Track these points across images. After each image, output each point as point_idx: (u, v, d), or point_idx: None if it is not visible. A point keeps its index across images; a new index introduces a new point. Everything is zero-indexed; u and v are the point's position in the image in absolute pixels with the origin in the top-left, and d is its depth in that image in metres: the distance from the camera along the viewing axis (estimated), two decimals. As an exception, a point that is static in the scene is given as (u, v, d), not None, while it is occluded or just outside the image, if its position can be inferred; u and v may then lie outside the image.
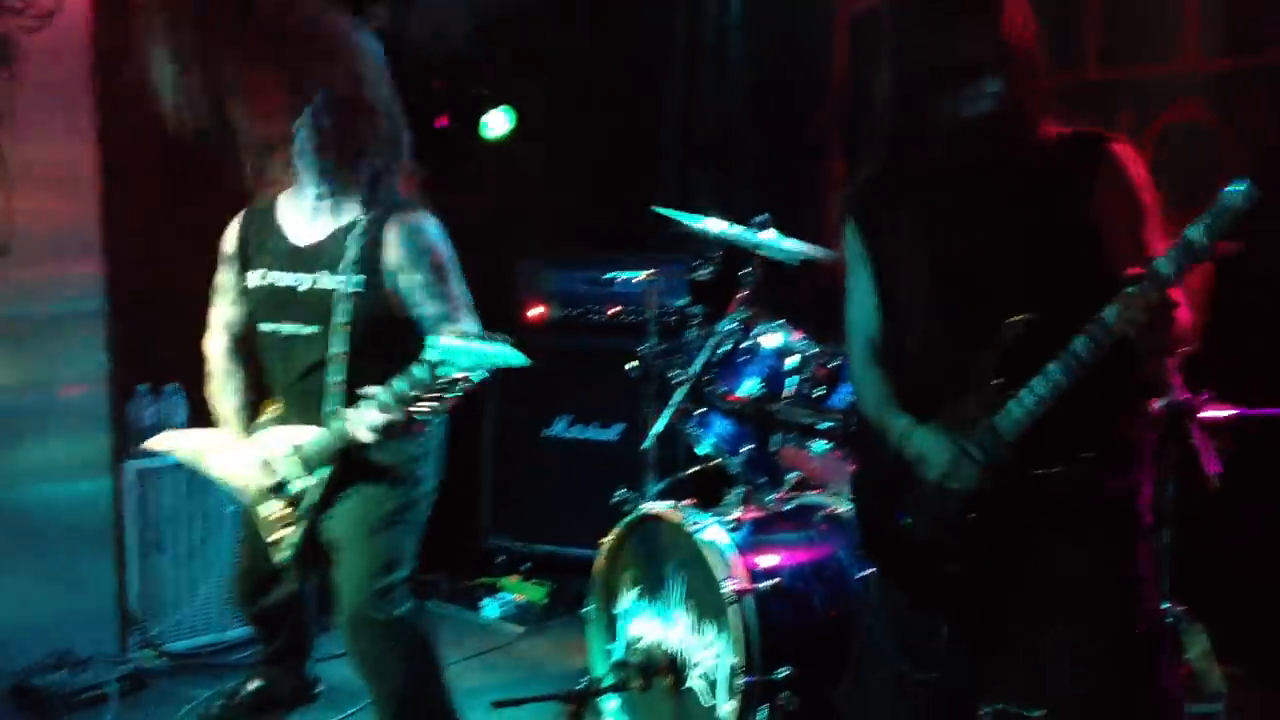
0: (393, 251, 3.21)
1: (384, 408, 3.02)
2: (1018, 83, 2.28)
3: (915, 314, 2.47)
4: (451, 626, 5.00)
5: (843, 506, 3.76)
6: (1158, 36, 4.45)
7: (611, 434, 5.25)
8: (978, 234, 2.35)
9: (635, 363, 4.15)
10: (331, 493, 3.27)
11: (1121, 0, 4.58)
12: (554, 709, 3.67)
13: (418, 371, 2.95)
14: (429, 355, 2.91)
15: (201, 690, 4.22)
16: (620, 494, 4.07)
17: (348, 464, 3.24)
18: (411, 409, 3.02)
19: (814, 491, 3.90)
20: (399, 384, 2.99)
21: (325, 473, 3.24)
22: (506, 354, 2.87)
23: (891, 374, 2.57)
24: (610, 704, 3.73)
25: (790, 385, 3.79)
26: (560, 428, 5.35)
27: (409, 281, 3.21)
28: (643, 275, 4.40)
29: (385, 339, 3.18)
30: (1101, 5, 4.61)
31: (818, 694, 3.47)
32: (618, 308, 5.35)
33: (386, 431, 3.07)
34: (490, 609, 5.13)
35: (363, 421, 3.06)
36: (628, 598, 3.77)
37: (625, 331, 4.99)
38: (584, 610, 3.89)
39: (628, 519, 3.79)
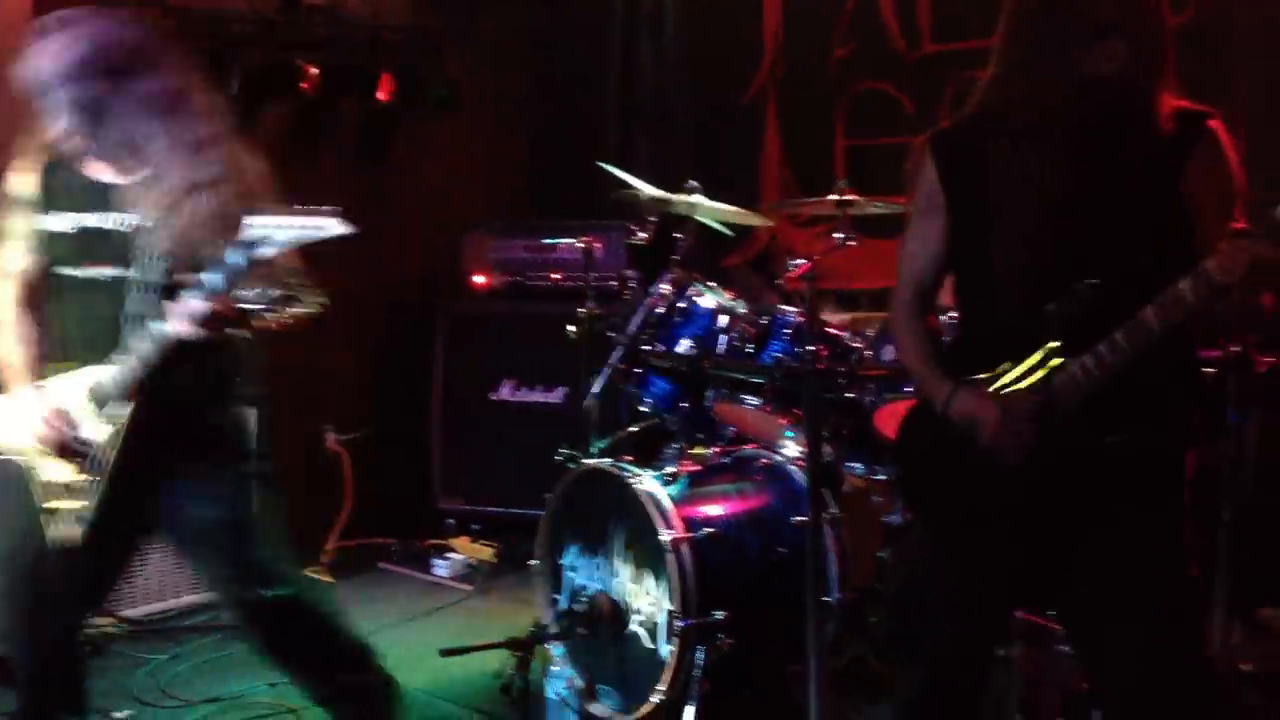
0: (190, 193, 2.92)
1: (208, 294, 2.74)
2: (1146, 48, 2.27)
3: (984, 265, 2.42)
4: (404, 588, 5.13)
5: (776, 458, 3.91)
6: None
7: (555, 396, 5.36)
8: (1066, 191, 2.31)
9: (574, 327, 4.24)
10: (138, 454, 2.89)
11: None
12: (503, 657, 3.80)
13: (233, 256, 2.70)
14: (246, 235, 2.69)
15: (159, 654, 4.35)
16: (563, 453, 4.17)
17: (153, 412, 2.89)
18: (238, 302, 2.80)
19: (749, 445, 4.05)
20: (215, 273, 2.73)
21: (123, 415, 2.88)
22: (327, 225, 2.72)
23: (959, 324, 2.56)
24: (556, 650, 3.87)
25: (723, 343, 3.92)
26: (506, 391, 5.45)
27: (203, 214, 2.91)
28: (582, 241, 4.50)
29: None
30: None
31: (753, 634, 3.64)
32: (559, 274, 5.45)
33: (209, 324, 2.77)
34: (441, 569, 5.24)
35: (184, 312, 2.76)
36: (572, 551, 3.90)
37: (567, 297, 5.09)
38: (530, 564, 4.03)
39: (570, 476, 3.92)
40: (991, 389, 2.39)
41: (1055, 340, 2.30)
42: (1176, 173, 2.30)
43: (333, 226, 2.71)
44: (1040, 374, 2.31)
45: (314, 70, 5.18)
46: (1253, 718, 3.48)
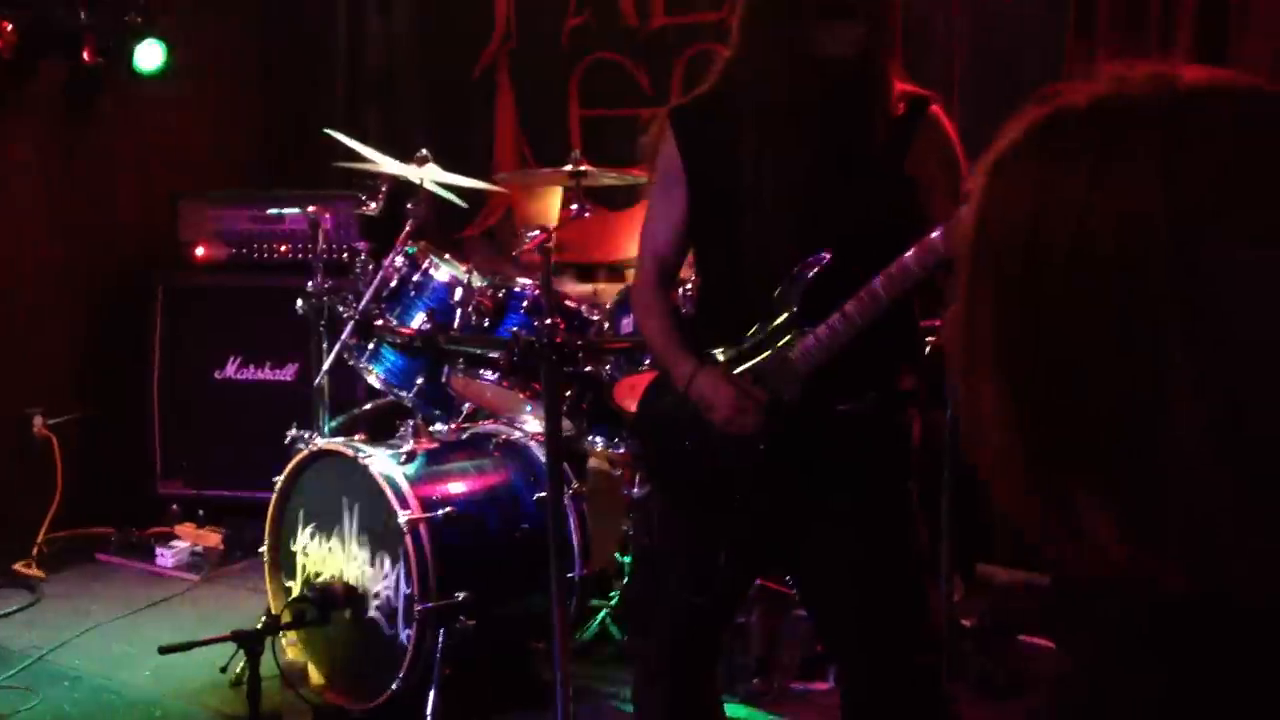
0: None
1: None
2: (881, 30, 2.30)
3: (722, 238, 2.44)
4: (125, 579, 4.88)
5: (515, 434, 3.86)
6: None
7: (286, 374, 5.17)
8: (806, 167, 2.34)
9: (302, 301, 4.09)
10: None
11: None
12: (232, 649, 3.62)
13: None
14: None
15: None
16: (292, 433, 4.03)
17: None
18: None
19: (487, 421, 3.99)
20: None
21: None
22: None
23: (701, 300, 2.54)
24: (290, 641, 3.72)
25: (459, 317, 3.84)
26: (231, 369, 5.24)
27: None
28: (309, 210, 4.34)
29: None
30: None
31: (497, 615, 3.59)
32: (285, 245, 5.26)
33: None
34: (165, 558, 5.00)
35: None
36: (304, 535, 3.76)
37: (294, 270, 4.91)
38: (260, 550, 3.86)
39: (300, 456, 3.77)
40: (730, 362, 2.40)
41: (792, 310, 2.34)
42: (902, 154, 2.37)
43: None
44: (779, 344, 2.34)
45: (9, 28, 4.81)
46: (976, 675, 3.63)
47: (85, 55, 5.10)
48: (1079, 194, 0.85)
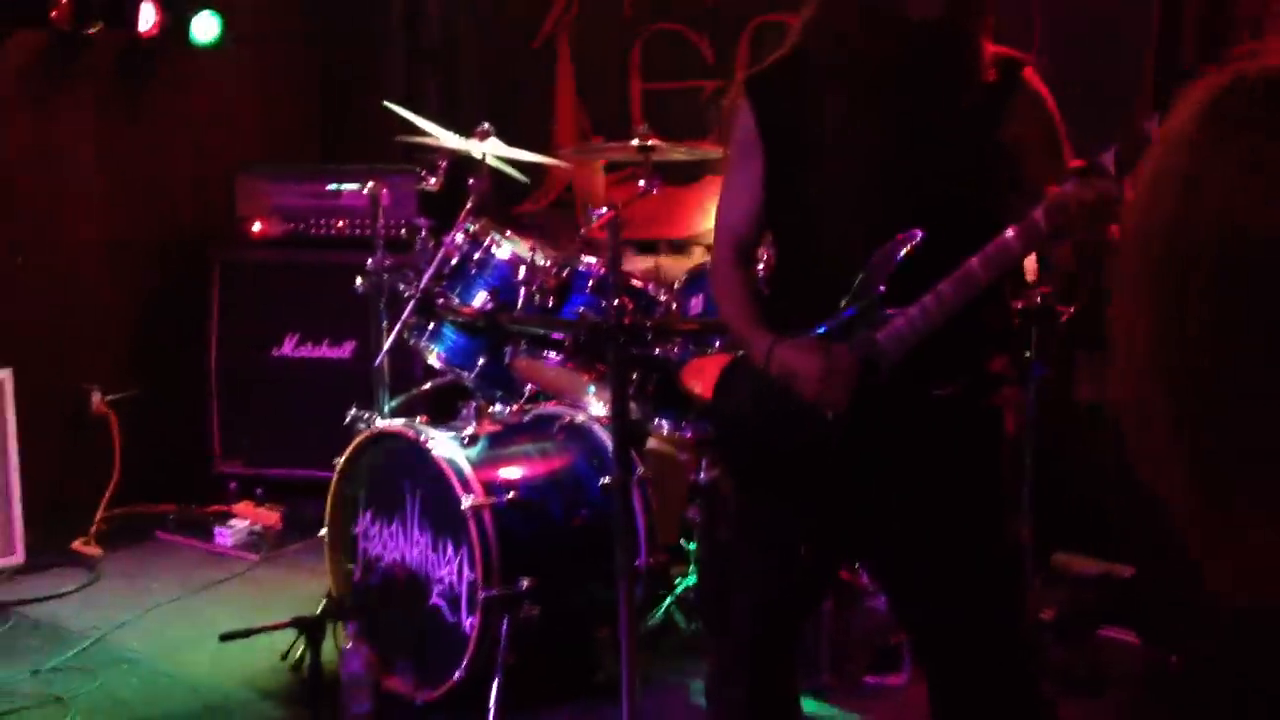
0: None
1: None
2: None
3: (801, 212, 2.32)
4: (183, 558, 4.82)
5: (579, 416, 3.77)
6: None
7: (343, 352, 5.11)
8: (890, 136, 2.21)
9: (361, 278, 4.01)
10: None
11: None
12: (292, 634, 3.58)
13: None
14: None
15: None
16: (352, 413, 3.96)
17: None
18: None
19: (550, 403, 3.90)
20: None
21: None
22: None
23: (777, 277, 2.43)
24: (350, 628, 3.65)
25: (522, 296, 3.74)
26: (289, 347, 5.17)
27: None
28: (368, 186, 4.26)
29: None
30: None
31: (561, 602, 3.50)
32: (344, 221, 5.18)
33: None
34: (224, 537, 4.94)
35: None
36: (364, 518, 3.69)
37: (353, 246, 4.84)
38: (321, 533, 3.80)
39: (361, 437, 3.70)
40: (805, 344, 2.26)
41: (879, 290, 2.21)
42: (996, 122, 2.22)
43: None
44: (866, 325, 2.22)
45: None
46: (1056, 671, 3.51)
47: (141, 26, 5.03)
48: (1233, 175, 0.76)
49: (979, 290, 2.15)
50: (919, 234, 2.17)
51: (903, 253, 2.18)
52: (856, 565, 3.29)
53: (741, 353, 2.43)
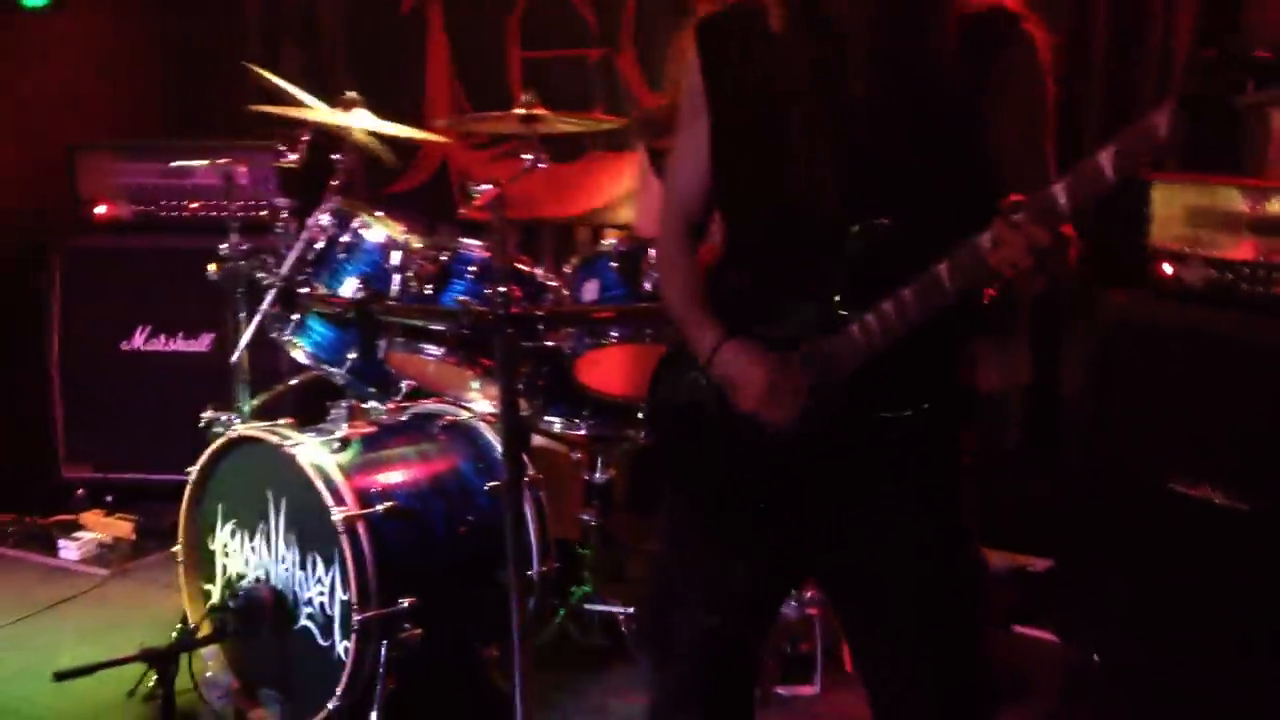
0: None
1: None
2: None
3: (753, 191, 2.04)
4: (23, 575, 4.46)
5: (462, 414, 3.48)
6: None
7: (200, 345, 4.77)
8: (862, 101, 1.89)
9: (215, 265, 3.67)
10: None
11: None
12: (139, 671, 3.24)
13: None
14: None
15: None
16: (207, 415, 3.63)
17: None
18: None
19: (429, 400, 3.60)
20: None
21: None
22: None
23: (722, 264, 2.12)
24: (210, 654, 3.32)
25: (396, 284, 3.44)
26: (140, 340, 4.83)
27: None
28: (222, 163, 3.90)
29: None
30: None
31: (445, 621, 3.21)
32: (198, 202, 4.84)
33: None
34: (69, 551, 4.60)
35: None
36: (223, 532, 3.36)
37: (208, 229, 4.49)
38: (173, 550, 3.45)
39: (217, 443, 3.36)
40: (753, 348, 1.99)
41: (836, 290, 1.92)
42: (979, 87, 1.88)
43: None
44: (817, 331, 1.94)
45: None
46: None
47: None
48: None
49: (946, 302, 1.84)
50: (885, 223, 1.89)
51: (863, 246, 1.90)
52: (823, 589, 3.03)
53: (680, 344, 2.15)
